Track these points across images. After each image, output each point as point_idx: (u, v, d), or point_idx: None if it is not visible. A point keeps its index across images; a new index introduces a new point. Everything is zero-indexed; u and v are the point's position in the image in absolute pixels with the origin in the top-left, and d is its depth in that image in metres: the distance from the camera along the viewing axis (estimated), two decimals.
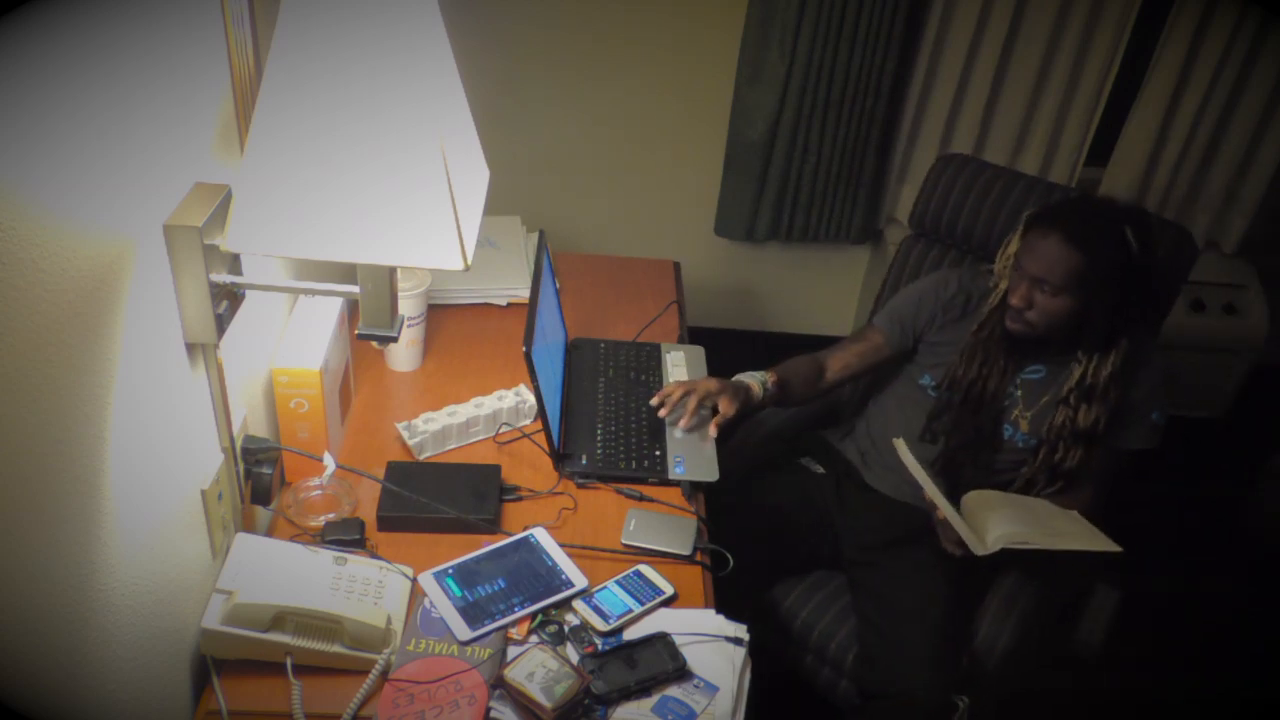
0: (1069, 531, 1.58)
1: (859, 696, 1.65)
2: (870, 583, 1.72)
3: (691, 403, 1.60)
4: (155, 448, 1.04)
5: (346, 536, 1.35)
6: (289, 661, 1.18)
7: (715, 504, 1.55)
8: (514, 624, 1.28)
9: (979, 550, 1.52)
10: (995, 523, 1.56)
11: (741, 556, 1.44)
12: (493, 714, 1.17)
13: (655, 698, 1.21)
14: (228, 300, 1.11)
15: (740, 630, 1.31)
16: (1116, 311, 1.64)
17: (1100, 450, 1.70)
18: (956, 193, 2.00)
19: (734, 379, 1.70)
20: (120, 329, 0.94)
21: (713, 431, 1.61)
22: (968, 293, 1.80)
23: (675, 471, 1.57)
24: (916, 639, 1.60)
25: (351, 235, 0.99)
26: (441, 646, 1.23)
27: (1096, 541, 1.55)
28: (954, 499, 1.62)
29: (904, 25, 2.52)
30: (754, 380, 1.71)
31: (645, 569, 1.39)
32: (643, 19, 2.60)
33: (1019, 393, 1.74)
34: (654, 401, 1.62)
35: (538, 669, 1.18)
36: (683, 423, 1.60)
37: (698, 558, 1.43)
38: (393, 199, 0.97)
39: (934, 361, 1.80)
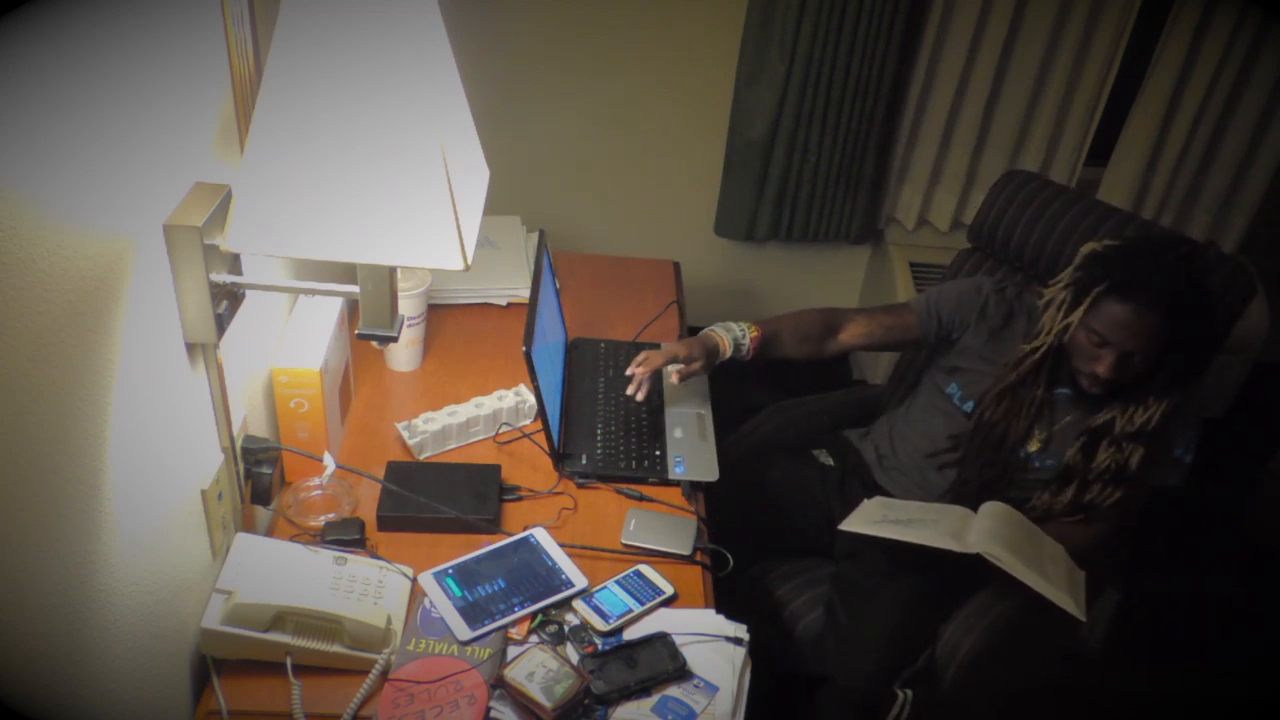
0: (1048, 574, 1.51)
1: (806, 683, 1.61)
2: (847, 573, 1.70)
3: (640, 372, 1.58)
4: (155, 448, 1.04)
5: (346, 536, 1.35)
6: (289, 661, 1.18)
7: (715, 503, 1.55)
8: (514, 624, 1.28)
9: (957, 547, 1.49)
10: (989, 534, 1.52)
11: (732, 529, 1.42)
12: (493, 714, 1.17)
13: (655, 698, 1.21)
14: (228, 300, 1.11)
15: (740, 630, 1.31)
16: (1188, 359, 1.61)
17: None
18: (1014, 209, 1.93)
19: (706, 330, 1.66)
20: (120, 329, 0.94)
21: (674, 380, 1.59)
22: (1011, 307, 1.74)
23: (675, 471, 1.57)
24: (872, 630, 1.58)
25: (351, 235, 0.99)
26: (441, 646, 1.23)
27: (1063, 599, 1.47)
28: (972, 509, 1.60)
29: (904, 25, 2.52)
30: (724, 336, 1.65)
31: (645, 569, 1.39)
32: (643, 19, 2.60)
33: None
34: (629, 390, 1.61)
35: (538, 669, 1.18)
36: (638, 394, 1.59)
37: (698, 558, 1.43)
38: (393, 199, 0.97)
39: (962, 370, 1.76)
